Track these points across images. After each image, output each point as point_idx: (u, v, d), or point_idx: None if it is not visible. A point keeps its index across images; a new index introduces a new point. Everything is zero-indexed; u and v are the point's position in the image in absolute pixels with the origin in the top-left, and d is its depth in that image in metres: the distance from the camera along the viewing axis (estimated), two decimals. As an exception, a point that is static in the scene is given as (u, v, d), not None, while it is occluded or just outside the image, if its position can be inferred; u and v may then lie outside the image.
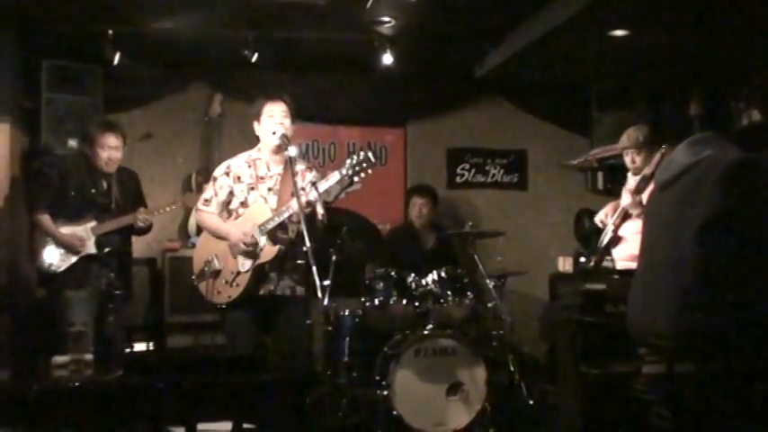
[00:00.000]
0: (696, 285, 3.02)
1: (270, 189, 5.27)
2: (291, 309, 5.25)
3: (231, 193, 5.30)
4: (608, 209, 6.00)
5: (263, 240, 5.10)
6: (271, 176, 5.30)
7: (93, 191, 6.06)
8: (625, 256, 5.77)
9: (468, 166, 8.56)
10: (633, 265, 5.57)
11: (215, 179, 5.35)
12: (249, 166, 5.32)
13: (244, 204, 5.26)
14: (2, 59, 6.69)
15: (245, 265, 5.13)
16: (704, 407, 3.02)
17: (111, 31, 6.64)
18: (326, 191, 5.09)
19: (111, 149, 6.03)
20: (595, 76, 7.90)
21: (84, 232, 5.96)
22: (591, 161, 7.94)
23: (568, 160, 8.26)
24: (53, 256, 5.93)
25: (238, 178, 5.29)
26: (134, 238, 6.48)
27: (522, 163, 8.66)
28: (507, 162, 8.63)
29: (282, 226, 5.14)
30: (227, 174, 5.32)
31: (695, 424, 3.06)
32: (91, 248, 5.92)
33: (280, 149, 5.20)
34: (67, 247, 5.92)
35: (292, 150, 5.02)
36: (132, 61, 7.05)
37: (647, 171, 5.75)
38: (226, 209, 5.33)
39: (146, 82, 7.65)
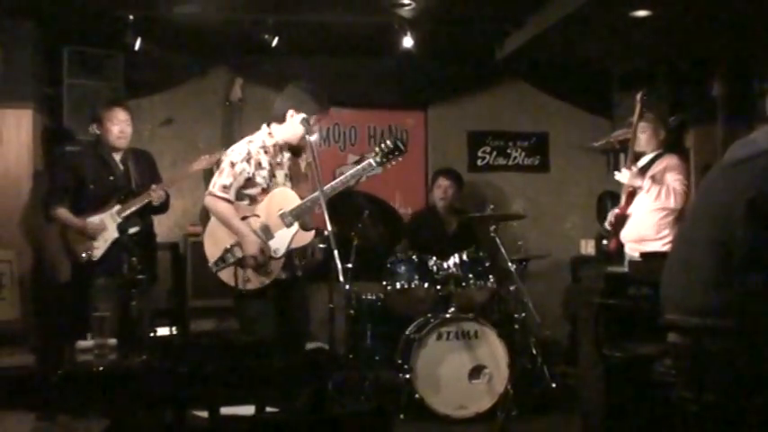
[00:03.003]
0: (741, 265, 2.98)
1: (286, 175, 5.21)
2: (299, 289, 5.31)
3: (250, 180, 5.12)
4: (611, 217, 6.05)
5: (295, 225, 5.07)
6: (284, 162, 5.23)
7: (111, 178, 6.12)
8: (635, 237, 5.78)
9: (489, 149, 8.52)
10: (641, 246, 5.63)
11: (233, 164, 5.11)
12: (266, 153, 5.18)
13: (265, 191, 5.13)
14: (23, 45, 6.74)
15: (279, 251, 5.07)
16: (729, 390, 3.01)
17: (131, 17, 6.64)
18: (350, 177, 5.11)
19: (120, 122, 6.12)
20: (617, 57, 7.85)
21: (111, 217, 6.01)
22: (613, 143, 7.91)
23: (590, 142, 8.23)
24: (88, 248, 5.98)
25: (259, 164, 5.14)
26: (156, 222, 6.52)
27: (543, 145, 8.61)
28: (529, 144, 8.58)
29: (308, 211, 5.11)
30: (248, 160, 5.12)
31: (719, 407, 3.05)
32: (114, 232, 5.95)
33: (300, 141, 5.20)
34: (86, 233, 5.98)
35: (314, 137, 5.02)
36: (153, 46, 7.06)
37: (647, 151, 5.83)
38: (239, 193, 5.15)
39: (166, 67, 7.67)
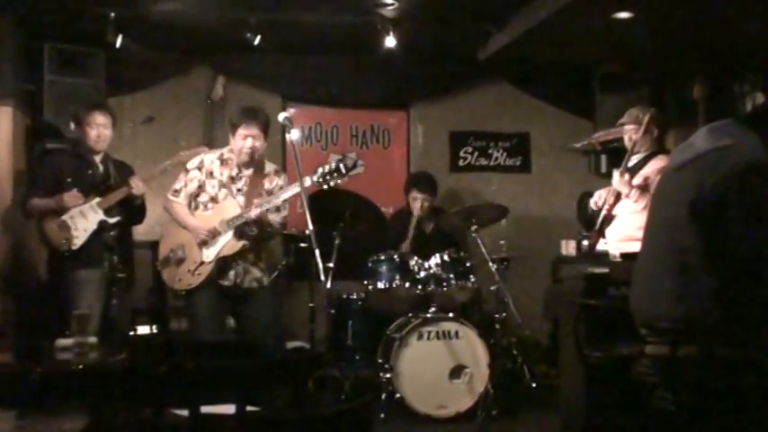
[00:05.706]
0: (695, 270, 3.01)
1: (239, 190, 5.53)
2: (259, 299, 5.56)
3: (201, 187, 5.53)
4: (602, 191, 6.01)
5: (229, 234, 5.31)
6: (241, 177, 5.55)
7: (90, 172, 6.12)
8: (620, 236, 5.77)
9: (471, 150, 8.53)
10: (628, 245, 5.62)
11: (187, 171, 5.60)
12: (222, 164, 5.56)
13: (213, 200, 5.51)
14: (4, 42, 6.70)
15: (209, 256, 5.38)
16: (706, 390, 3.02)
17: (113, 14, 6.61)
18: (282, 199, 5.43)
19: (99, 126, 6.12)
20: (599, 58, 7.88)
21: (91, 209, 5.99)
22: (594, 144, 7.92)
23: (572, 143, 8.24)
24: (66, 236, 5.94)
25: (210, 174, 5.54)
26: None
27: (525, 146, 8.62)
28: (510, 145, 8.59)
29: (249, 223, 5.40)
30: (200, 168, 5.56)
31: (697, 407, 3.06)
32: (94, 223, 5.93)
33: (249, 164, 5.52)
34: (63, 205, 5.94)
35: (294, 134, 5.11)
36: (135, 44, 7.04)
37: (641, 150, 5.79)
38: (193, 200, 5.56)
39: (148, 65, 7.65)
